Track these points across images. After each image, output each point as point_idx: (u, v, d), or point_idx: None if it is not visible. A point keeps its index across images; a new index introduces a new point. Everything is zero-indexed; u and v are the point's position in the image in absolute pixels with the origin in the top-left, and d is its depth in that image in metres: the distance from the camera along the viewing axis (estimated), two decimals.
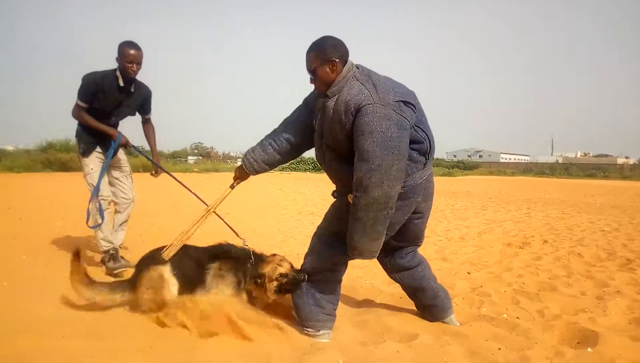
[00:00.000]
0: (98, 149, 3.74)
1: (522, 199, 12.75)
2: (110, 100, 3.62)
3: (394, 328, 2.66)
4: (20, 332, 2.39)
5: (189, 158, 40.46)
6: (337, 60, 2.32)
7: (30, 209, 7.08)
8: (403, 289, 2.90)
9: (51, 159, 21.29)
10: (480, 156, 72.59)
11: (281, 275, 2.64)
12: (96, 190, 3.61)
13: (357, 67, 2.39)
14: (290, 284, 2.65)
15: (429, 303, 2.79)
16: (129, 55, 3.48)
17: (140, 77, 3.67)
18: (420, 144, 2.37)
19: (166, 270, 2.72)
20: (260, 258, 2.76)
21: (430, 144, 2.42)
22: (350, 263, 3.90)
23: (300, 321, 2.63)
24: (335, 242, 2.56)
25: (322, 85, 2.37)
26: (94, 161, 3.72)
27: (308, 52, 2.39)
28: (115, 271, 3.64)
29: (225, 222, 3.00)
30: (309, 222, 7.01)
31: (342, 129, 2.30)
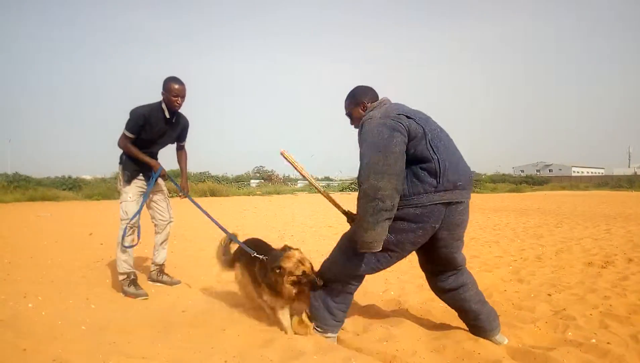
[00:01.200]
0: (140, 177, 4.04)
1: (600, 215, 11.95)
2: (156, 131, 3.97)
3: (474, 353, 2.55)
4: (112, 352, 2.53)
5: (252, 181, 41.55)
6: (367, 102, 2.85)
7: (110, 234, 7.49)
8: (453, 309, 2.96)
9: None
10: (550, 171, 69.17)
11: (304, 273, 2.81)
12: (132, 219, 3.91)
13: (384, 103, 2.78)
14: (307, 284, 2.83)
15: (471, 323, 2.86)
16: (174, 89, 3.84)
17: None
18: (428, 163, 2.49)
19: None
20: (282, 253, 2.93)
21: (441, 166, 2.48)
22: (422, 285, 3.82)
23: (312, 319, 2.85)
24: (354, 256, 2.68)
25: (356, 122, 2.87)
26: (134, 189, 4.01)
27: (345, 99, 2.97)
28: (134, 297, 3.81)
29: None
30: None
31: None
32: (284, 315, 2.95)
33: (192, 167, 28.95)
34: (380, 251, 2.54)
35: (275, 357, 2.50)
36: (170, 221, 4.30)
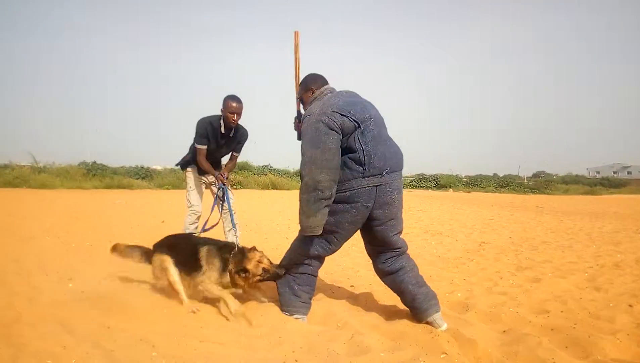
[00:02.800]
0: (194, 168, 4.62)
1: None
2: (213, 141, 4.43)
3: (549, 361, 2.43)
4: (186, 335, 2.66)
5: None
6: (315, 88, 3.15)
7: (180, 221, 7.87)
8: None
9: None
10: (628, 173, 64.45)
11: (264, 270, 3.18)
12: (194, 214, 4.53)
13: (325, 93, 3.07)
14: (271, 277, 3.21)
15: (408, 305, 3.07)
16: (231, 107, 4.26)
17: None
18: (355, 154, 2.82)
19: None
20: (242, 252, 3.26)
21: (365, 156, 2.80)
22: (490, 288, 3.70)
23: (280, 305, 3.17)
24: (307, 240, 3.04)
25: (306, 106, 3.19)
26: (194, 179, 4.62)
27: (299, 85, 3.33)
28: None
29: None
30: (437, 242, 6.81)
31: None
32: (230, 298, 3.15)
33: (254, 160, 29.60)
34: (326, 233, 2.94)
35: (341, 351, 2.52)
36: (232, 210, 4.52)
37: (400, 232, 3.09)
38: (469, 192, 31.16)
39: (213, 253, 3.34)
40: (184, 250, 3.47)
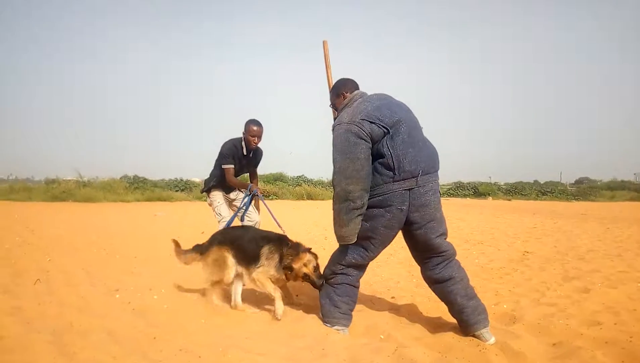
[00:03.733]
0: (220, 187, 4.90)
1: None
2: (237, 163, 4.75)
3: None
4: (231, 346, 2.67)
5: None
6: (345, 92, 3.17)
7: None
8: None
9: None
10: None
11: (305, 274, 3.33)
12: (228, 223, 4.62)
13: (355, 99, 3.04)
14: (311, 283, 3.34)
15: (456, 317, 3.00)
16: (253, 130, 4.59)
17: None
18: (383, 159, 2.81)
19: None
20: (296, 250, 3.44)
21: (395, 161, 2.77)
22: (537, 299, 3.57)
23: (322, 317, 3.16)
24: (346, 248, 3.06)
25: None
26: (219, 195, 4.91)
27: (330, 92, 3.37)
28: None
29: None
30: (479, 252, 6.65)
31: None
32: (279, 301, 3.32)
33: (288, 171, 29.84)
34: (362, 239, 2.94)
35: None
36: (257, 221, 4.85)
37: (444, 235, 3.01)
38: (509, 200, 30.35)
39: (274, 249, 3.53)
40: (244, 244, 3.64)
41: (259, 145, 4.84)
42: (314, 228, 9.98)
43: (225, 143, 4.74)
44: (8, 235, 7.68)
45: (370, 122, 2.80)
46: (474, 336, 2.86)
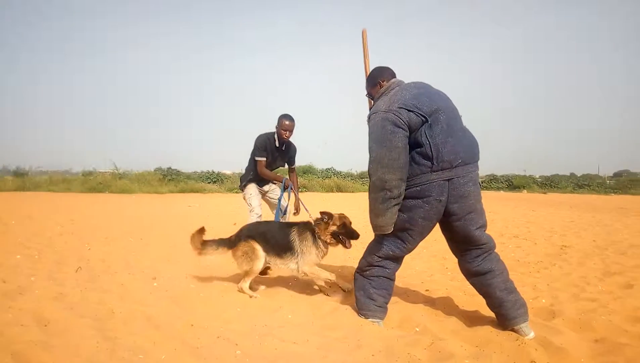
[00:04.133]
0: (254, 181, 5.00)
1: None
2: (270, 155, 4.90)
3: None
4: (266, 335, 2.70)
5: None
6: (382, 81, 3.11)
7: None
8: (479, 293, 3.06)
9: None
10: None
11: (344, 224, 3.64)
12: (256, 215, 4.82)
13: (392, 88, 2.98)
14: (346, 234, 3.62)
15: (494, 311, 2.95)
16: (285, 125, 4.76)
17: None
18: (421, 148, 2.74)
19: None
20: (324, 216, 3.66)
21: (433, 150, 2.70)
22: (576, 294, 3.47)
23: (357, 308, 3.14)
24: (382, 239, 3.01)
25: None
26: (253, 187, 5.00)
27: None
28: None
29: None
30: (515, 246, 6.50)
31: None
32: (318, 270, 3.63)
33: (318, 163, 29.83)
34: (400, 230, 2.90)
35: (422, 357, 2.45)
36: (285, 215, 4.99)
37: (483, 227, 2.93)
38: (544, 193, 29.54)
39: (302, 229, 3.73)
40: (274, 236, 3.80)
41: (291, 140, 5.03)
42: None
43: (259, 136, 4.90)
44: (50, 225, 7.97)
45: (408, 110, 2.73)
46: (512, 330, 2.80)
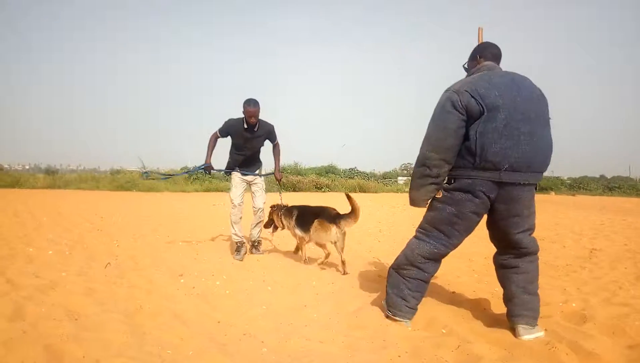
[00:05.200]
0: (237, 169, 5.36)
1: None
2: (240, 137, 5.21)
3: None
4: (292, 333, 2.72)
5: (399, 178, 41.30)
6: (480, 57, 2.93)
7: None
8: None
9: (285, 181, 24.34)
10: None
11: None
12: (239, 203, 5.31)
13: (481, 69, 2.83)
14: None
15: (504, 302, 2.94)
16: (248, 111, 5.01)
17: None
18: (468, 142, 2.64)
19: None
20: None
21: (477, 148, 2.59)
22: (608, 298, 3.38)
23: (386, 306, 3.05)
24: (427, 236, 2.92)
25: None
26: (235, 179, 5.35)
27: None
28: (238, 259, 5.04)
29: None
30: (542, 248, 6.27)
31: None
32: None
33: (341, 163, 29.87)
34: (446, 224, 2.81)
35: (450, 358, 2.43)
36: (260, 209, 5.42)
37: (529, 230, 2.83)
38: (573, 195, 28.90)
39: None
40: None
41: (267, 122, 5.33)
42: (368, 220, 9.92)
43: (229, 119, 5.24)
44: (79, 221, 8.17)
45: (471, 95, 2.60)
46: (512, 329, 2.81)
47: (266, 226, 5.43)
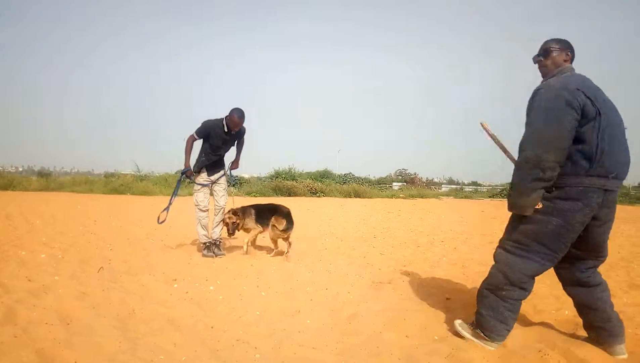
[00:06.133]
0: (204, 171, 5.53)
1: None
2: (218, 139, 5.36)
3: None
4: (285, 339, 2.71)
5: (394, 184, 41.43)
6: (568, 55, 2.75)
7: None
8: (574, 305, 2.87)
9: (280, 185, 24.32)
10: None
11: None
12: (205, 206, 5.58)
13: (566, 72, 2.67)
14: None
15: (598, 325, 2.71)
16: (235, 121, 5.21)
17: None
18: (584, 146, 2.45)
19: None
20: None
21: (597, 153, 2.43)
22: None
23: (480, 328, 2.74)
24: (526, 253, 2.64)
25: (545, 69, 2.79)
26: (201, 181, 5.52)
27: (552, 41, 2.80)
28: (205, 257, 5.37)
29: None
30: None
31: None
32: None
33: (336, 168, 29.95)
34: (555, 237, 2.54)
35: None
36: (222, 208, 5.63)
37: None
38: None
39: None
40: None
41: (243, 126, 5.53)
42: (362, 225, 9.94)
43: (207, 121, 5.32)
44: (73, 225, 8.13)
45: (586, 95, 2.45)
46: (608, 349, 2.64)
47: (230, 234, 5.51)
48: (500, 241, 2.82)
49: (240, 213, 5.53)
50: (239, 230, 5.53)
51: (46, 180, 23.18)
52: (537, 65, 2.85)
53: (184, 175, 5.49)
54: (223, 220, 5.50)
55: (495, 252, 2.83)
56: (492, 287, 2.74)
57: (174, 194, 5.69)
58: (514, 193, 2.60)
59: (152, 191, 21.27)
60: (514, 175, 2.62)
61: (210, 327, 2.89)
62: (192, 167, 5.48)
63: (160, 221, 5.43)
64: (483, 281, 2.84)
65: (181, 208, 13.99)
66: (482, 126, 3.02)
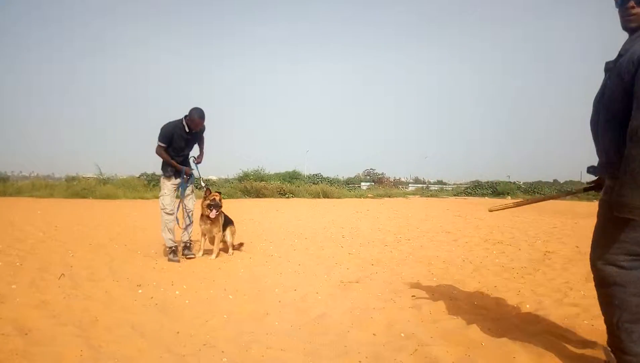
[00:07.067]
0: (173, 176, 5.48)
1: None
2: (181, 140, 5.41)
3: None
4: (253, 342, 2.70)
5: (362, 184, 41.81)
6: None
7: (240, 225, 8.05)
8: None
9: (248, 187, 24.13)
10: None
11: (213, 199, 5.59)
12: (171, 209, 5.50)
13: None
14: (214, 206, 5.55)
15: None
16: (195, 121, 5.29)
17: None
18: None
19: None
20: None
21: None
22: (560, 299, 3.51)
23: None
24: None
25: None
26: (168, 186, 5.48)
27: None
28: (171, 261, 5.27)
29: None
30: (499, 252, 6.56)
31: (621, 82, 2.05)
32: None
33: (305, 169, 30.01)
34: None
35: (409, 362, 2.47)
36: (191, 210, 5.69)
37: None
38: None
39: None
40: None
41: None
42: (331, 226, 9.97)
43: (166, 125, 5.33)
44: (32, 231, 7.84)
45: None
46: None
47: (210, 211, 5.56)
48: (601, 257, 2.26)
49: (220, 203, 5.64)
50: (217, 212, 5.56)
51: (3, 185, 22.24)
52: (624, 12, 2.15)
53: (184, 175, 5.54)
54: (212, 195, 5.58)
55: (603, 274, 2.25)
56: (634, 317, 2.16)
57: (182, 195, 5.63)
58: (633, 193, 1.96)
59: (115, 194, 20.69)
60: (626, 174, 1.98)
61: (176, 332, 2.85)
62: (164, 172, 5.49)
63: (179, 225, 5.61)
64: (612, 316, 2.24)
65: (146, 211, 13.72)
66: (493, 211, 3.14)
